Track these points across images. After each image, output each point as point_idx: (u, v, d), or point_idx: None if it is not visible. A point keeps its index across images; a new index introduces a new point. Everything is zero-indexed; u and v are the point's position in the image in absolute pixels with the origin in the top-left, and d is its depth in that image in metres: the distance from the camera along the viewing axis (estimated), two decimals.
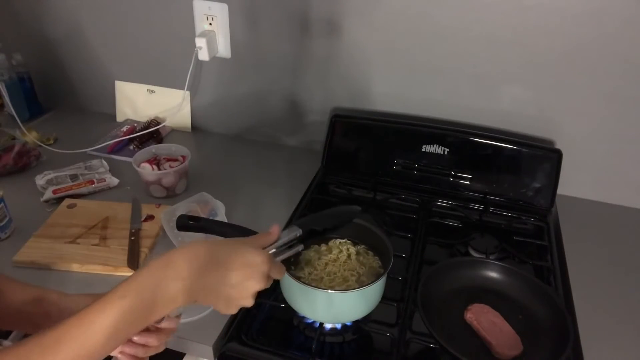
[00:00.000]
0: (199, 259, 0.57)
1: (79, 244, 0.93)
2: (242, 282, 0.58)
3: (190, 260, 0.56)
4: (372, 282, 0.75)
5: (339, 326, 0.80)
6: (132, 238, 0.93)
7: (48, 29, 1.34)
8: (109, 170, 1.14)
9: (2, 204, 0.93)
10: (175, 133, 1.35)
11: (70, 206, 1.03)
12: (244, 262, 0.58)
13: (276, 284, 0.87)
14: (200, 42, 1.13)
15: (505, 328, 0.77)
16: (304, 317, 0.81)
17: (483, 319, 0.78)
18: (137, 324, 0.55)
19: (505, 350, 0.74)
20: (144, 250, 0.92)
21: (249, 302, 0.60)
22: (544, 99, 1.05)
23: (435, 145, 1.09)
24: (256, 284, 0.59)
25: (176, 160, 1.11)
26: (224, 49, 1.20)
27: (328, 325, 0.80)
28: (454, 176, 1.09)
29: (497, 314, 0.79)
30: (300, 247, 0.69)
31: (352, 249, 0.84)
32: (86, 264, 0.88)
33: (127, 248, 0.91)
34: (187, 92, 1.26)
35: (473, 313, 0.79)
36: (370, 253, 0.86)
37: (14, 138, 1.19)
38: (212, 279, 0.57)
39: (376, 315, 0.81)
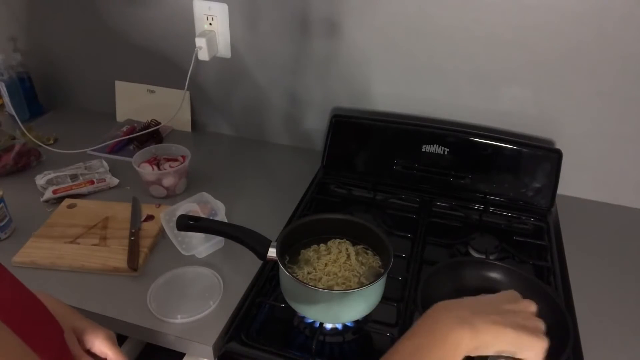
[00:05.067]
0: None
1: (79, 244, 0.93)
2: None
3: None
4: (372, 282, 0.75)
5: (339, 326, 0.80)
6: (132, 238, 0.93)
7: (48, 29, 1.34)
8: (109, 170, 1.14)
9: (2, 204, 0.93)
10: (175, 133, 1.35)
11: (70, 206, 1.03)
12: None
13: (276, 284, 0.87)
14: (200, 42, 1.13)
15: None
16: (304, 317, 0.81)
17: None
18: None
19: None
20: (143, 250, 0.92)
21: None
22: (544, 99, 1.05)
23: (435, 145, 1.09)
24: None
25: (176, 160, 1.11)
26: (224, 49, 1.20)
27: (328, 325, 0.80)
28: (454, 176, 1.09)
29: None
30: None
31: (352, 249, 0.84)
32: (86, 264, 0.88)
33: (127, 248, 0.91)
34: (187, 92, 1.26)
35: None
36: (370, 253, 0.86)
37: (14, 138, 1.18)
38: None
39: (376, 315, 0.81)
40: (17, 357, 0.39)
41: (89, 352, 0.63)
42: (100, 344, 0.63)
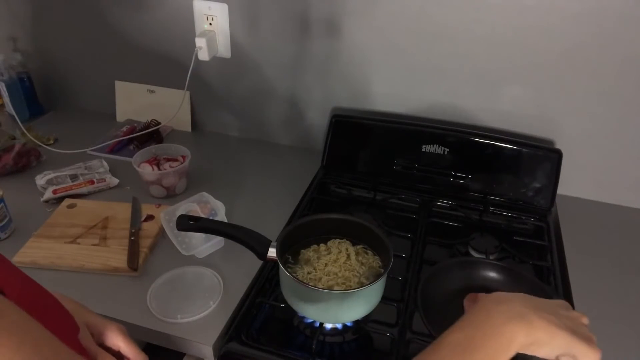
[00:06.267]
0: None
1: (79, 244, 0.93)
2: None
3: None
4: (372, 282, 0.75)
5: (339, 326, 0.80)
6: (132, 238, 0.93)
7: (48, 29, 1.34)
8: (109, 170, 1.14)
9: (2, 204, 0.94)
10: (175, 133, 1.35)
11: (70, 206, 1.03)
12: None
13: (276, 284, 0.87)
14: (200, 42, 1.13)
15: None
16: (304, 317, 0.81)
17: None
18: None
19: None
20: (143, 250, 0.92)
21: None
22: (544, 99, 1.05)
23: (435, 145, 1.09)
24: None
25: (176, 160, 1.11)
26: (224, 49, 1.20)
27: (328, 325, 0.80)
28: (454, 176, 1.09)
29: None
30: None
31: (352, 249, 0.84)
32: (86, 264, 0.88)
33: (127, 248, 0.91)
34: (187, 92, 1.26)
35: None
36: (370, 253, 0.86)
37: (14, 138, 1.19)
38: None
39: (376, 315, 0.81)
40: (53, 352, 0.39)
41: (102, 346, 0.63)
42: (113, 338, 0.63)
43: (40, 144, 1.21)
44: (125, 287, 0.86)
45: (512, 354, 0.48)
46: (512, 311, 0.50)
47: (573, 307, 0.83)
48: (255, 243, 0.80)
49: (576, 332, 0.50)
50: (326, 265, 0.82)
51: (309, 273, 0.81)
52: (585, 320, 0.54)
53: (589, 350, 0.49)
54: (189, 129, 1.35)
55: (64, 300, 0.62)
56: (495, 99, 1.08)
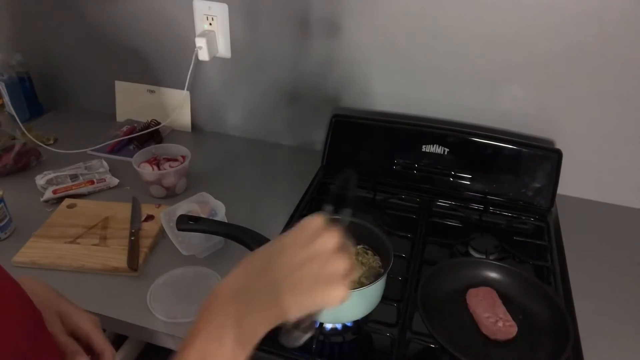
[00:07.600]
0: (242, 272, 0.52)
1: (79, 244, 0.93)
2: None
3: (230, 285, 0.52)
4: (372, 282, 0.75)
5: (339, 326, 0.80)
6: (132, 238, 0.93)
7: (48, 29, 1.34)
8: (109, 170, 1.14)
9: (2, 204, 0.94)
10: (175, 133, 1.35)
11: (70, 206, 1.03)
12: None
13: None
14: (200, 42, 1.13)
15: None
16: None
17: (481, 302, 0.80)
18: None
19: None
20: (143, 250, 0.92)
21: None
22: (544, 99, 1.05)
23: (435, 145, 1.09)
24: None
25: (176, 160, 1.11)
26: (224, 49, 1.20)
27: (328, 325, 0.80)
28: (454, 176, 1.09)
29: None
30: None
31: (352, 249, 0.84)
32: (86, 264, 0.88)
33: (127, 248, 0.91)
34: (187, 92, 1.26)
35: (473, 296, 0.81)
36: (370, 253, 0.86)
37: (14, 138, 1.19)
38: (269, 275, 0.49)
39: (376, 315, 0.81)
40: None
41: (73, 336, 0.62)
42: (83, 327, 0.63)
43: (40, 144, 1.21)
44: (125, 287, 0.86)
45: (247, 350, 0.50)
46: (226, 317, 0.52)
47: (572, 306, 0.84)
48: (255, 243, 0.80)
49: (315, 279, 0.47)
50: None
51: None
52: (331, 243, 0.48)
53: (326, 294, 0.47)
54: (189, 129, 1.35)
55: (40, 287, 0.61)
56: (495, 99, 1.08)
